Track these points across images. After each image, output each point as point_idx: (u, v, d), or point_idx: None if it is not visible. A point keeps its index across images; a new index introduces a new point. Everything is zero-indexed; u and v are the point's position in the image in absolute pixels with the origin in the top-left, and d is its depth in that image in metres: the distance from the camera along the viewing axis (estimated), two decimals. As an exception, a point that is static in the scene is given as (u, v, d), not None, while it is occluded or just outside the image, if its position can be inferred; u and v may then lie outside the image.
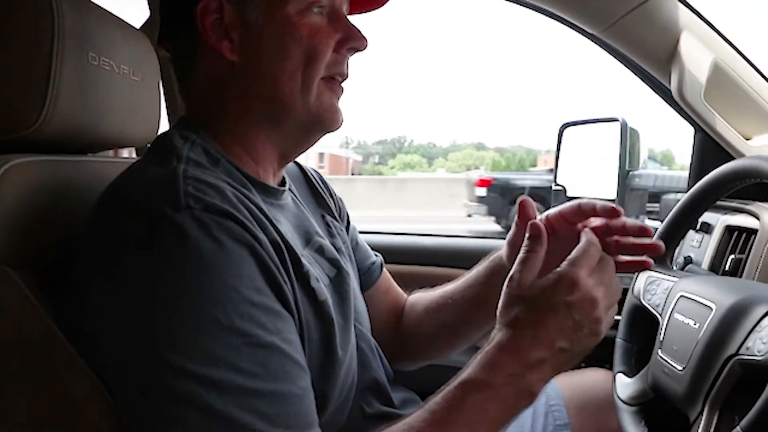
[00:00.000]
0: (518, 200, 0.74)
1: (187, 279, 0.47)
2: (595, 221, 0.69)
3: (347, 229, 0.89)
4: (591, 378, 1.02)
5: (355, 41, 0.65)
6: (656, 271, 0.86)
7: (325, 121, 0.65)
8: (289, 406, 0.49)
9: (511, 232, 0.78)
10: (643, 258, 0.65)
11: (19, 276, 0.50)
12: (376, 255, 0.93)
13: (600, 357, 1.20)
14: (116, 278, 0.48)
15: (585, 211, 0.68)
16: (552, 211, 0.72)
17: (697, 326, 0.69)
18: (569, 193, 1.61)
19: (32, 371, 0.50)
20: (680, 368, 0.69)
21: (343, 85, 0.68)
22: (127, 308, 0.48)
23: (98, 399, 0.49)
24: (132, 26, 0.74)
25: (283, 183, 0.72)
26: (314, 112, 0.64)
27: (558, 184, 1.61)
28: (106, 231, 0.51)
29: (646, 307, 0.84)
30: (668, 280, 0.82)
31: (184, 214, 0.49)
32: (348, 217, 0.90)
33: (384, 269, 0.93)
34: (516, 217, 0.74)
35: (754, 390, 0.58)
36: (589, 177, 1.62)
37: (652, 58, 1.15)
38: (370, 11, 0.76)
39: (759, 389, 0.57)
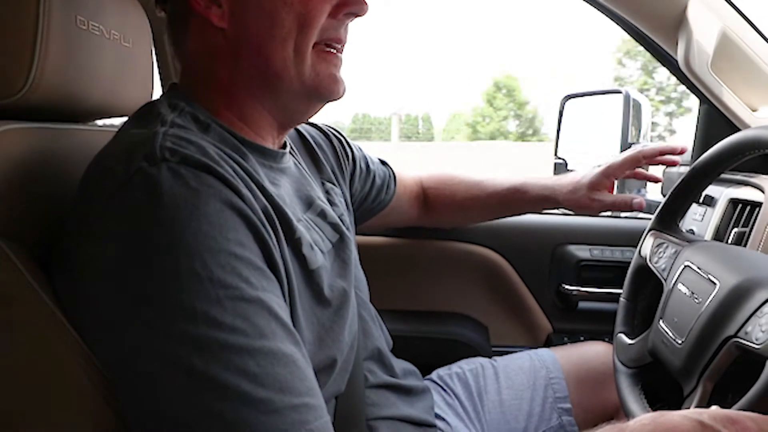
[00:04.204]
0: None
1: (160, 230, 0.44)
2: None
3: (353, 158, 0.91)
4: (590, 351, 1.02)
5: (353, 5, 0.61)
6: (665, 233, 0.86)
7: (322, 91, 0.62)
8: (281, 366, 0.45)
9: (590, 178, 0.99)
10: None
11: (8, 246, 0.49)
12: (383, 164, 1.03)
13: (599, 330, 1.21)
14: (96, 241, 0.46)
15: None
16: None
17: (699, 301, 0.68)
18: (570, 167, 1.60)
19: (22, 342, 0.49)
20: (679, 341, 0.69)
21: (342, 52, 0.64)
22: (103, 267, 0.45)
23: (90, 370, 0.48)
24: None
25: (284, 147, 0.69)
26: (309, 81, 0.61)
27: (559, 157, 1.60)
28: (87, 198, 0.49)
29: (652, 269, 0.83)
30: (676, 243, 0.82)
31: (160, 166, 0.46)
32: (352, 148, 0.92)
33: (396, 176, 1.05)
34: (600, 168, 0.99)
35: (750, 373, 0.57)
36: (591, 150, 1.60)
37: (659, 27, 1.12)
38: None
39: (754, 374, 0.56)
